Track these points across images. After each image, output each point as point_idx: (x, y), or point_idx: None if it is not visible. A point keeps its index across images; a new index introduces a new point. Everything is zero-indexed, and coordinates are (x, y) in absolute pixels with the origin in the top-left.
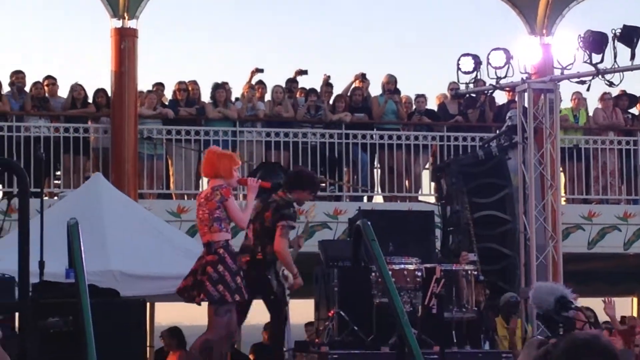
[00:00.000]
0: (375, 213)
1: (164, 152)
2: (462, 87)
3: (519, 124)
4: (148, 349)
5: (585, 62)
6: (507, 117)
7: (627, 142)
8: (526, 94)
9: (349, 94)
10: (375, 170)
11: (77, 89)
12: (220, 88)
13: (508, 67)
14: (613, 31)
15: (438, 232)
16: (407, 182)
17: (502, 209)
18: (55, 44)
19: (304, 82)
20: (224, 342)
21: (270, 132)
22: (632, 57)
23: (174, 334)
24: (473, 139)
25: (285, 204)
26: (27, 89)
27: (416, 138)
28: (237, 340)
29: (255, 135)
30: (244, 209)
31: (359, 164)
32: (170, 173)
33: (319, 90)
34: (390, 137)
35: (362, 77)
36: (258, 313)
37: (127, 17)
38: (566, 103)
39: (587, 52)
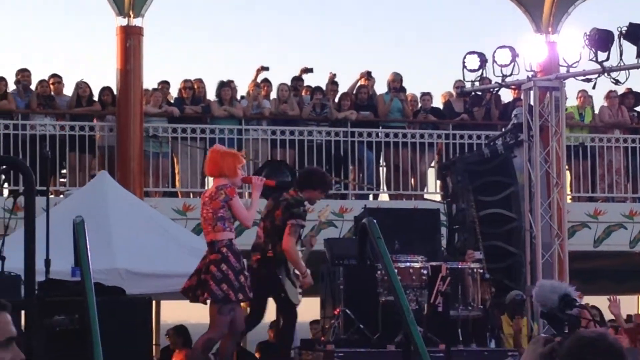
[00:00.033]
0: (381, 211)
1: (170, 150)
2: (468, 85)
3: (524, 122)
4: (154, 347)
5: (591, 60)
6: (512, 115)
7: (633, 140)
8: (532, 92)
9: (354, 92)
10: (380, 168)
11: (82, 87)
12: (226, 86)
13: (514, 65)
14: (619, 29)
15: (444, 230)
16: (412, 180)
17: (508, 207)
18: (61, 42)
19: (309, 80)
20: (231, 340)
21: (275, 130)
22: (638, 55)
23: (180, 332)
24: (479, 137)
25: (296, 203)
26: (32, 87)
27: (422, 136)
28: (243, 339)
29: (260, 133)
30: (248, 208)
31: (364, 162)
32: (176, 171)
33: (324, 88)
34: (395, 135)
35: (368, 75)
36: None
37: (132, 15)
38: (572, 101)
39: (593, 50)
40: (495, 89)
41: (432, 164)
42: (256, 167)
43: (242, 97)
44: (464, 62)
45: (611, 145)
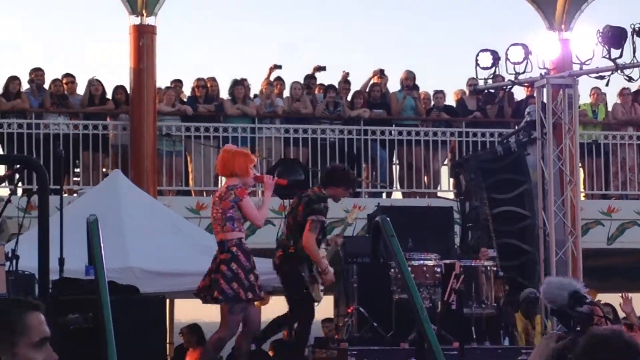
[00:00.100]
0: (394, 209)
1: (183, 149)
2: (481, 82)
3: (537, 119)
4: (168, 345)
5: (604, 57)
6: (525, 113)
7: None
8: (545, 90)
9: (367, 90)
10: (394, 166)
11: (94, 84)
12: (239, 84)
13: (527, 63)
14: (632, 26)
15: (457, 228)
16: (425, 178)
17: (521, 204)
18: (74, 41)
19: (322, 78)
20: (246, 339)
21: (288, 128)
22: None
23: (194, 330)
24: (492, 135)
25: (317, 199)
26: (46, 86)
27: (435, 134)
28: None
29: (273, 131)
30: (259, 207)
31: (377, 160)
32: (189, 170)
33: (337, 86)
34: (408, 133)
35: (381, 73)
36: (278, 310)
37: (145, 14)
38: (585, 98)
39: (606, 47)
40: (508, 87)
41: (445, 162)
42: (269, 166)
43: (255, 96)
44: (476, 60)
45: (624, 143)
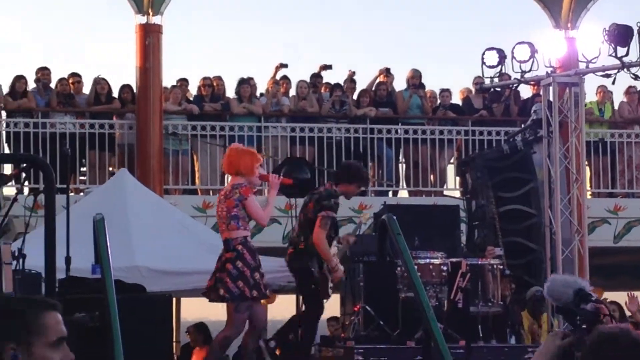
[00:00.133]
0: (401, 208)
1: (189, 148)
2: (487, 81)
3: (544, 117)
4: (174, 344)
5: (610, 55)
6: (532, 111)
7: None
8: (551, 88)
9: (373, 88)
10: (400, 164)
11: (100, 83)
12: (245, 83)
13: (533, 61)
14: (638, 24)
15: (463, 227)
16: (432, 176)
17: (528, 203)
18: (80, 40)
19: (328, 77)
20: (252, 337)
21: (295, 127)
22: None
23: (201, 329)
24: (498, 133)
25: (327, 195)
26: (52, 85)
27: (441, 132)
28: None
29: (280, 130)
30: (264, 206)
31: (383, 158)
32: (196, 169)
33: (343, 85)
34: (415, 132)
35: (387, 72)
36: (284, 308)
37: (151, 13)
38: (591, 97)
39: (612, 45)
40: (515, 85)
41: (452, 161)
42: (275, 165)
43: (261, 95)
44: (483, 58)
45: (631, 141)
